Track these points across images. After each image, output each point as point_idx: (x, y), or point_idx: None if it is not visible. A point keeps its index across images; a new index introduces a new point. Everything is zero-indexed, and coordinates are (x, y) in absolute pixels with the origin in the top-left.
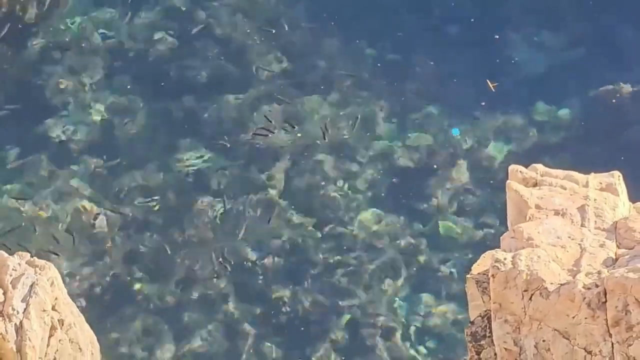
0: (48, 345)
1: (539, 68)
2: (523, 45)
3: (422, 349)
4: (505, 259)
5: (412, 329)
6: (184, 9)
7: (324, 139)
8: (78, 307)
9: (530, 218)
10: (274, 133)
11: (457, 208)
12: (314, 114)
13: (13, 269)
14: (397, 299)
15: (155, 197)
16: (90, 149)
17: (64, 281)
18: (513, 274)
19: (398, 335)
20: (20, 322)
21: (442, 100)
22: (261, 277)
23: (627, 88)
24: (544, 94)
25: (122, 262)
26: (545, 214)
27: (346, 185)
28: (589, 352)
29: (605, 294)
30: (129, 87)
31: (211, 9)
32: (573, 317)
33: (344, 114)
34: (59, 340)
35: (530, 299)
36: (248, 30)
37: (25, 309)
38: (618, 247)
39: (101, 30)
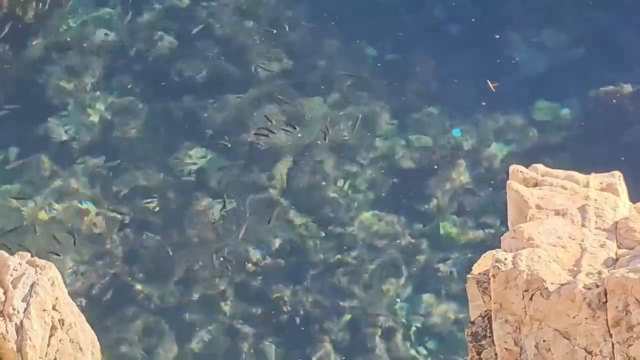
0: (48, 345)
1: (539, 68)
2: (523, 45)
3: (422, 349)
4: (505, 259)
5: (413, 329)
6: (184, 8)
7: (325, 139)
8: (78, 306)
9: (530, 218)
10: (274, 133)
11: (458, 208)
12: (315, 114)
13: (14, 269)
14: (397, 299)
15: (156, 197)
16: (90, 149)
17: (64, 281)
18: (513, 274)
19: (398, 335)
20: (21, 322)
21: (443, 100)
22: (261, 277)
23: (627, 88)
24: (544, 93)
25: (122, 262)
26: (545, 214)
27: (346, 186)
28: (590, 352)
29: (605, 294)
30: (129, 87)
31: (211, 8)
32: (573, 317)
33: (345, 114)
34: (60, 340)
35: (531, 299)
36: (248, 30)
37: (25, 309)
38: (618, 247)
39: (101, 30)
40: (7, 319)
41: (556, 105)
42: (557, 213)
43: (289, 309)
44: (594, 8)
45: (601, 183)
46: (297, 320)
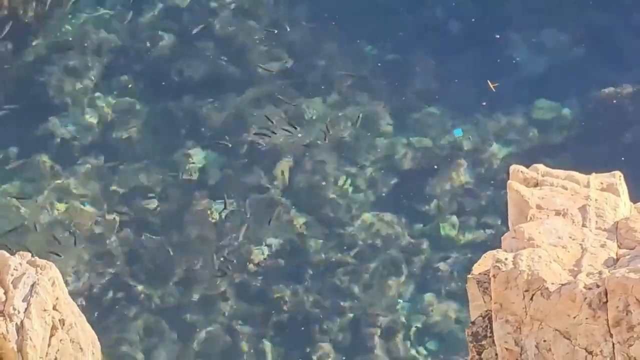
0: (49, 345)
1: (539, 68)
2: (524, 45)
3: (422, 349)
4: (506, 259)
5: (413, 329)
6: (184, 8)
7: (325, 139)
8: (79, 306)
9: (531, 218)
10: (275, 134)
11: (458, 208)
12: (315, 114)
13: (14, 269)
14: (397, 299)
15: (156, 197)
16: (90, 149)
17: (64, 281)
18: (514, 274)
19: (399, 335)
20: (21, 322)
21: (443, 100)
22: (262, 277)
23: (627, 88)
24: (544, 93)
25: (122, 262)
26: (546, 214)
27: (347, 186)
28: (590, 352)
29: (606, 294)
30: (129, 86)
31: (212, 8)
32: (574, 317)
33: (345, 114)
34: (60, 340)
35: (531, 299)
36: (249, 30)
37: (26, 309)
38: (619, 247)
39: (102, 30)
40: (8, 319)
41: (556, 105)
42: (558, 213)
43: (289, 308)
44: (594, 8)
45: (602, 183)
46: (297, 320)
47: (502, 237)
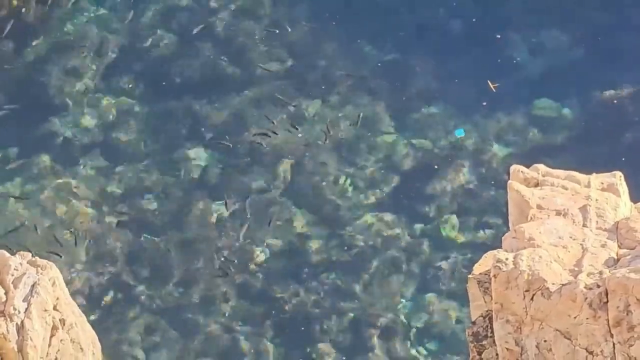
0: (49, 345)
1: (540, 68)
2: (524, 45)
3: (422, 349)
4: (506, 259)
5: (413, 329)
6: (184, 8)
7: (325, 139)
8: (79, 305)
9: (531, 218)
10: (276, 134)
11: (459, 208)
12: (315, 114)
13: (15, 269)
14: (398, 299)
15: (156, 197)
16: (91, 149)
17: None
18: (514, 274)
19: (399, 335)
20: (22, 322)
21: (443, 100)
22: (262, 277)
23: (628, 88)
24: (545, 93)
25: (123, 262)
26: (546, 214)
27: (347, 186)
28: (591, 353)
29: (606, 294)
30: (130, 86)
31: (212, 8)
32: (574, 318)
33: (345, 114)
34: (61, 340)
35: (532, 299)
36: (249, 30)
37: (26, 309)
38: (619, 247)
39: (102, 30)
40: (8, 319)
41: (557, 105)
42: (558, 213)
43: (289, 309)
44: (594, 8)
45: (602, 183)
46: (298, 320)
47: (502, 237)
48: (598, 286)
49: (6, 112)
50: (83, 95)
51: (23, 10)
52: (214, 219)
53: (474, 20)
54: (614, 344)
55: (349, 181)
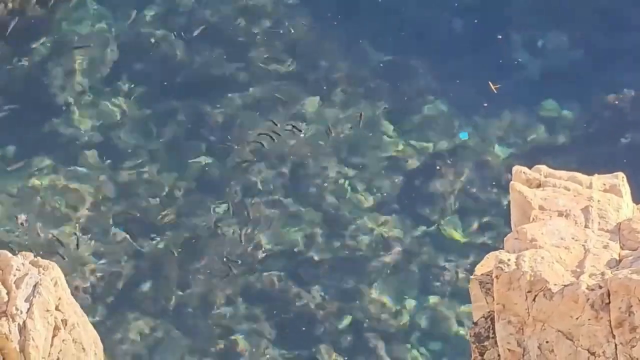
0: (51, 345)
1: (541, 69)
2: (526, 46)
3: (424, 350)
4: (509, 260)
5: (416, 330)
6: (186, 9)
7: (327, 139)
8: (82, 306)
9: (534, 219)
10: (280, 135)
11: (461, 209)
12: (317, 115)
13: (17, 269)
14: (400, 300)
15: (159, 198)
16: (93, 149)
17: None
18: (517, 275)
19: (401, 336)
20: (24, 322)
21: (445, 101)
22: (264, 278)
23: (630, 89)
24: (546, 94)
25: (125, 262)
26: (549, 215)
27: (349, 186)
28: (593, 354)
29: (608, 295)
30: (132, 87)
31: (214, 8)
32: (576, 318)
33: (347, 114)
34: (63, 340)
35: (534, 300)
36: (251, 30)
37: (28, 309)
38: (622, 248)
39: (104, 30)
40: (10, 319)
41: (559, 106)
42: (561, 214)
43: (291, 309)
44: (596, 9)
45: (604, 184)
46: (300, 321)
47: (504, 238)
48: (600, 287)
49: (9, 112)
50: (84, 96)
51: (26, 9)
52: (215, 220)
53: (475, 21)
54: (616, 345)
55: (350, 182)
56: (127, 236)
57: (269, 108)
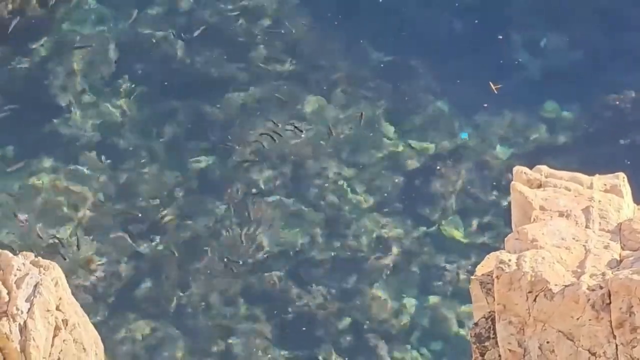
0: (52, 345)
1: (542, 69)
2: (526, 46)
3: (425, 351)
4: (509, 260)
5: (417, 330)
6: (187, 9)
7: (328, 139)
8: (83, 306)
9: (534, 219)
10: (281, 136)
11: (461, 209)
12: (317, 115)
13: (17, 269)
14: (400, 300)
15: (159, 198)
16: (94, 150)
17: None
18: (517, 276)
19: (401, 337)
20: (25, 322)
21: (445, 101)
22: (264, 278)
23: (630, 90)
24: (547, 95)
25: (125, 262)
26: (549, 216)
27: (350, 186)
28: (593, 354)
29: (609, 295)
30: (132, 87)
31: (214, 9)
32: (577, 319)
33: (348, 114)
34: (63, 341)
35: (535, 300)
36: (251, 30)
37: (29, 309)
38: (622, 248)
39: (104, 30)
40: (11, 319)
41: (560, 107)
42: (561, 214)
43: (291, 309)
44: (597, 10)
45: (605, 184)
46: (300, 321)
47: (505, 239)
48: (601, 287)
49: (9, 112)
50: (84, 96)
51: (26, 10)
52: (216, 220)
53: (475, 21)
54: (616, 345)
55: (351, 182)
56: (127, 236)
57: (269, 108)
